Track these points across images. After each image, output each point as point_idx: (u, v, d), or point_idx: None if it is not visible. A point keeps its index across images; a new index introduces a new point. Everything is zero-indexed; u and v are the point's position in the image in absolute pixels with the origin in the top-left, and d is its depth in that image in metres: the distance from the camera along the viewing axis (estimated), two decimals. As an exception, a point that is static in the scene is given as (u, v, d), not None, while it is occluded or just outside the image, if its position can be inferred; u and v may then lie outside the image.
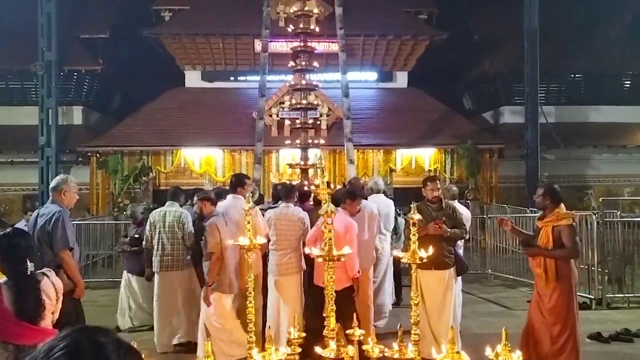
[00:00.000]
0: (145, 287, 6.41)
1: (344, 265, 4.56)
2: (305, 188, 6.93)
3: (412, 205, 2.76)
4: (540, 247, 4.74)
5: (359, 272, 4.93)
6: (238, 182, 5.41)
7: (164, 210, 5.90)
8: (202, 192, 5.58)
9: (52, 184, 4.53)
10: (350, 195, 5.31)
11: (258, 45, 16.31)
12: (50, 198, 4.47)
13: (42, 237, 4.29)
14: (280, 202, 5.59)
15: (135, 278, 6.68)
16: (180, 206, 6.07)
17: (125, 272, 6.86)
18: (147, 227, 5.91)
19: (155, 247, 5.78)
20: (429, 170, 16.87)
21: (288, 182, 6.41)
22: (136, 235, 6.71)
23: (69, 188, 4.46)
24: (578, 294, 7.85)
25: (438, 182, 5.45)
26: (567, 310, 4.63)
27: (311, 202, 6.47)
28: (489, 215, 11.18)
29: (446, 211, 5.34)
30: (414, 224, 2.66)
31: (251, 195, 4.74)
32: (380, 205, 6.21)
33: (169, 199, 6.05)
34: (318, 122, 14.44)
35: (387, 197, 6.89)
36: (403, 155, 16.34)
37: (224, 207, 5.29)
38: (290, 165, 10.90)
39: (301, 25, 9.97)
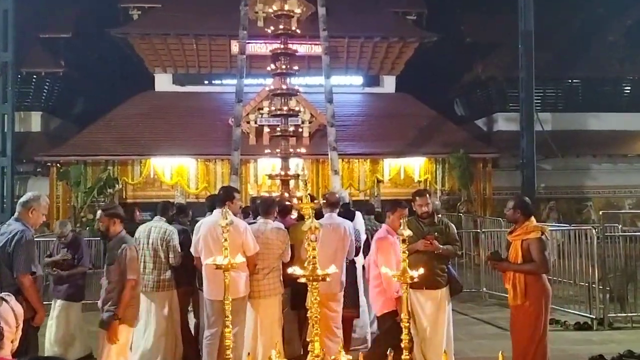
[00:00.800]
0: (80, 315, 6.38)
1: (382, 285, 4.38)
2: (287, 202, 6.86)
3: (401, 221, 2.79)
4: (509, 262, 4.85)
5: (397, 291, 4.68)
6: (227, 196, 5.34)
7: (150, 225, 5.93)
8: (111, 207, 5.00)
9: (23, 199, 4.52)
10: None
11: (235, 47, 16.35)
12: (16, 214, 4.43)
13: (1, 257, 4.24)
14: (258, 217, 5.57)
15: (68, 304, 6.34)
16: (169, 222, 6.06)
17: (55, 300, 6.42)
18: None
19: (143, 266, 5.80)
20: (419, 181, 16.97)
21: (267, 196, 6.30)
22: (67, 257, 6.42)
23: (39, 207, 4.46)
24: (577, 313, 8.03)
25: (428, 196, 5.50)
26: (533, 329, 4.69)
27: (293, 217, 6.44)
28: (483, 230, 11.26)
29: (438, 226, 5.38)
30: (403, 241, 2.69)
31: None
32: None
33: (158, 213, 6.08)
34: (300, 130, 14.48)
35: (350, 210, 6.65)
36: (391, 165, 16.43)
37: (210, 223, 5.22)
38: (270, 176, 10.89)
39: (281, 26, 10.03)
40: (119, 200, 16.75)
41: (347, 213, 6.07)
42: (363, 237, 6.14)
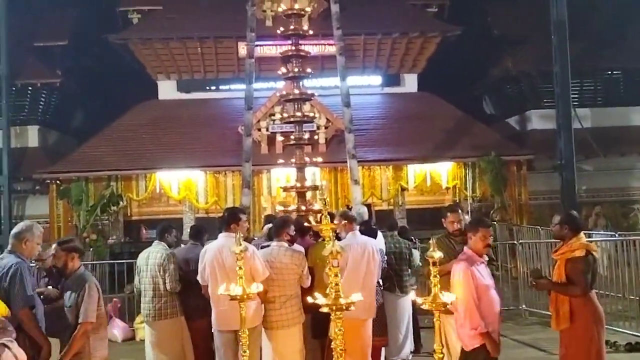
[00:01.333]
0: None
1: (462, 318, 4.24)
2: (303, 218, 6.82)
3: (431, 241, 2.78)
4: (552, 282, 4.76)
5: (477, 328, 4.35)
6: (232, 218, 5.36)
7: (148, 251, 6.02)
8: (68, 240, 4.79)
9: (15, 230, 4.58)
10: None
11: (242, 50, 16.46)
12: (9, 246, 4.48)
13: None
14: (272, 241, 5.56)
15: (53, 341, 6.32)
16: (169, 246, 6.11)
17: None
18: (136, 271, 6.01)
19: (142, 293, 5.92)
20: (447, 188, 16.87)
21: (280, 215, 6.25)
22: (50, 293, 6.41)
23: (32, 237, 4.51)
24: (628, 332, 7.87)
25: (460, 212, 5.48)
26: (585, 357, 4.54)
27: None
28: (520, 240, 11.15)
29: None
30: (434, 264, 2.67)
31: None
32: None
33: (157, 237, 6.15)
34: (315, 137, 14.46)
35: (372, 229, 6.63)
36: (416, 172, 16.37)
37: (215, 248, 5.21)
38: (285, 189, 10.86)
39: (292, 26, 10.05)
40: (124, 218, 16.96)
41: (369, 231, 6.05)
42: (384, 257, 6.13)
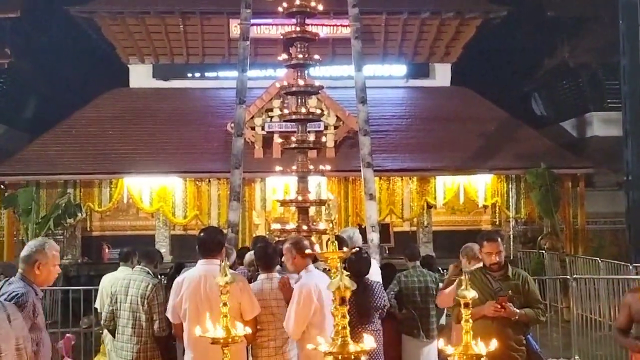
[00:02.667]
0: None
1: None
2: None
3: (462, 277, 2.77)
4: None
5: None
6: (214, 243, 5.35)
7: (129, 277, 5.96)
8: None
9: (24, 252, 4.56)
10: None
11: (235, 29, 16.52)
12: (20, 270, 4.50)
13: None
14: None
15: None
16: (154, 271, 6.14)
17: None
18: (106, 299, 5.95)
19: (118, 329, 5.85)
20: (485, 207, 16.82)
21: (266, 244, 6.09)
22: None
23: (46, 259, 4.49)
24: None
25: (500, 241, 5.45)
26: None
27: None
28: (575, 275, 11.09)
29: (513, 282, 5.34)
30: (466, 305, 2.65)
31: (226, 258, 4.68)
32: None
33: (142, 260, 6.14)
34: (322, 139, 14.43)
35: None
36: (446, 185, 16.35)
37: (195, 278, 5.18)
38: (283, 202, 10.84)
39: (297, 2, 10.08)
40: (83, 234, 16.96)
41: (360, 262, 5.92)
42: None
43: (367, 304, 5.76)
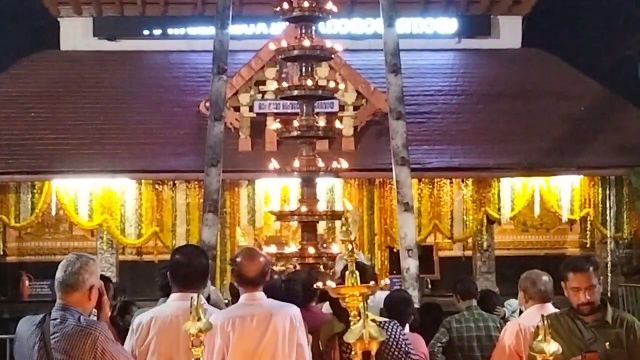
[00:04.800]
0: None
1: None
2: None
3: (541, 323, 2.76)
4: None
5: None
6: (196, 269, 5.43)
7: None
8: None
9: (67, 278, 4.65)
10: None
11: (212, -35, 16.56)
12: (61, 301, 4.63)
13: None
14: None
15: None
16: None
17: None
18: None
19: None
20: (571, 221, 16.80)
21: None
22: None
23: (97, 280, 4.72)
24: None
25: (593, 271, 5.39)
26: None
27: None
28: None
29: (613, 329, 5.35)
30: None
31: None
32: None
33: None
34: (337, 124, 14.43)
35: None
36: (516, 190, 16.41)
37: (165, 319, 5.29)
38: (279, 215, 10.89)
39: None
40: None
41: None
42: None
43: None
